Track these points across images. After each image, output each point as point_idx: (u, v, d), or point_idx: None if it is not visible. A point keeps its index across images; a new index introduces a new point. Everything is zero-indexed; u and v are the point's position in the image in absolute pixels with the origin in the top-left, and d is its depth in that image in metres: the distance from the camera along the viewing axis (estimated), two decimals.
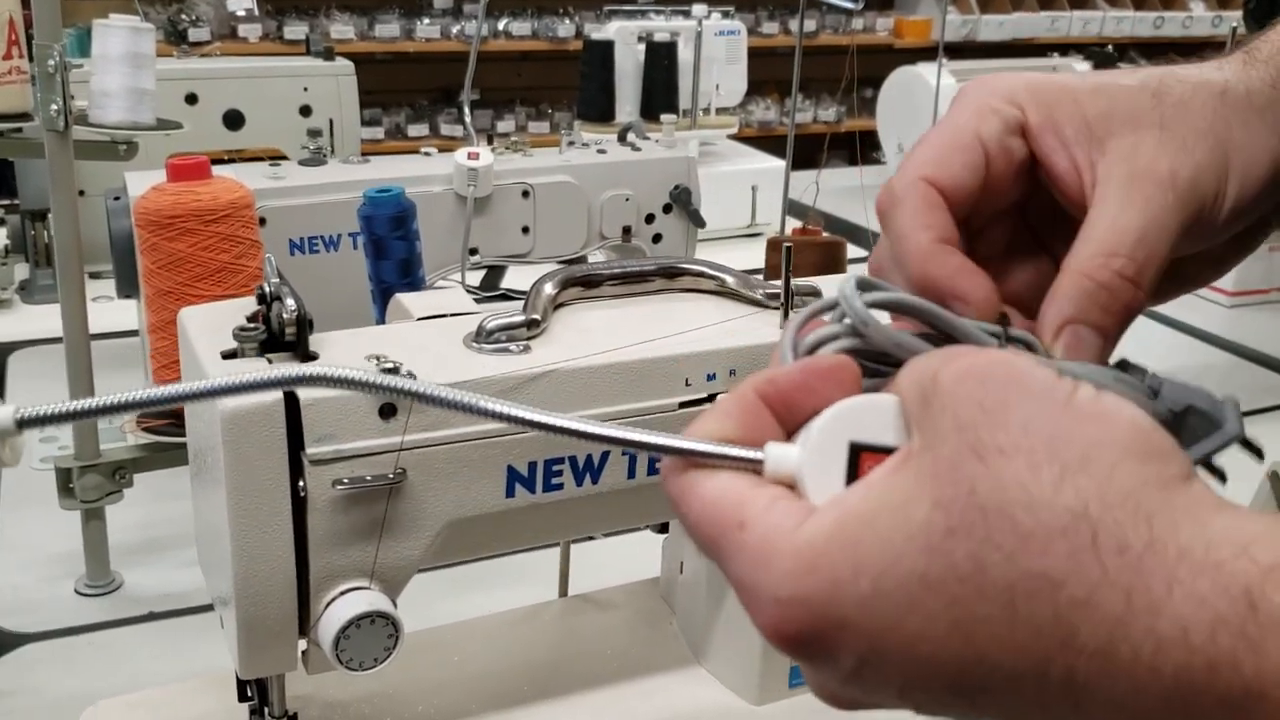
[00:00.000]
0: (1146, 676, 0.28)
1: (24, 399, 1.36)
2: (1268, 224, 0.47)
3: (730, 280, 0.74)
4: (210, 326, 0.65)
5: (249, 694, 0.70)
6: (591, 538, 0.90)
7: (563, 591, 0.89)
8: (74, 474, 0.95)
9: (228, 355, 0.62)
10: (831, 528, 0.32)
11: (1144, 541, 0.29)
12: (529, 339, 0.66)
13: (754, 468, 0.36)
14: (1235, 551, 0.28)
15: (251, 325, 0.63)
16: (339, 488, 0.60)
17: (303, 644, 0.64)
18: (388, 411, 0.60)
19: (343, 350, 0.63)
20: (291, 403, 0.59)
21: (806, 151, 1.94)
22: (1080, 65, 2.24)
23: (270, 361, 0.62)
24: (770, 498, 0.34)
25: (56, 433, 1.27)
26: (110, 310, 1.41)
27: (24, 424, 0.38)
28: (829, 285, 0.76)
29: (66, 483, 0.95)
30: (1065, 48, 2.44)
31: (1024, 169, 0.45)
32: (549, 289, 0.70)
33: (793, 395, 0.37)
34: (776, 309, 0.72)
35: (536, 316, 0.67)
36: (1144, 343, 1.64)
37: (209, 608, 0.96)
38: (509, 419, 0.41)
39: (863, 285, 0.39)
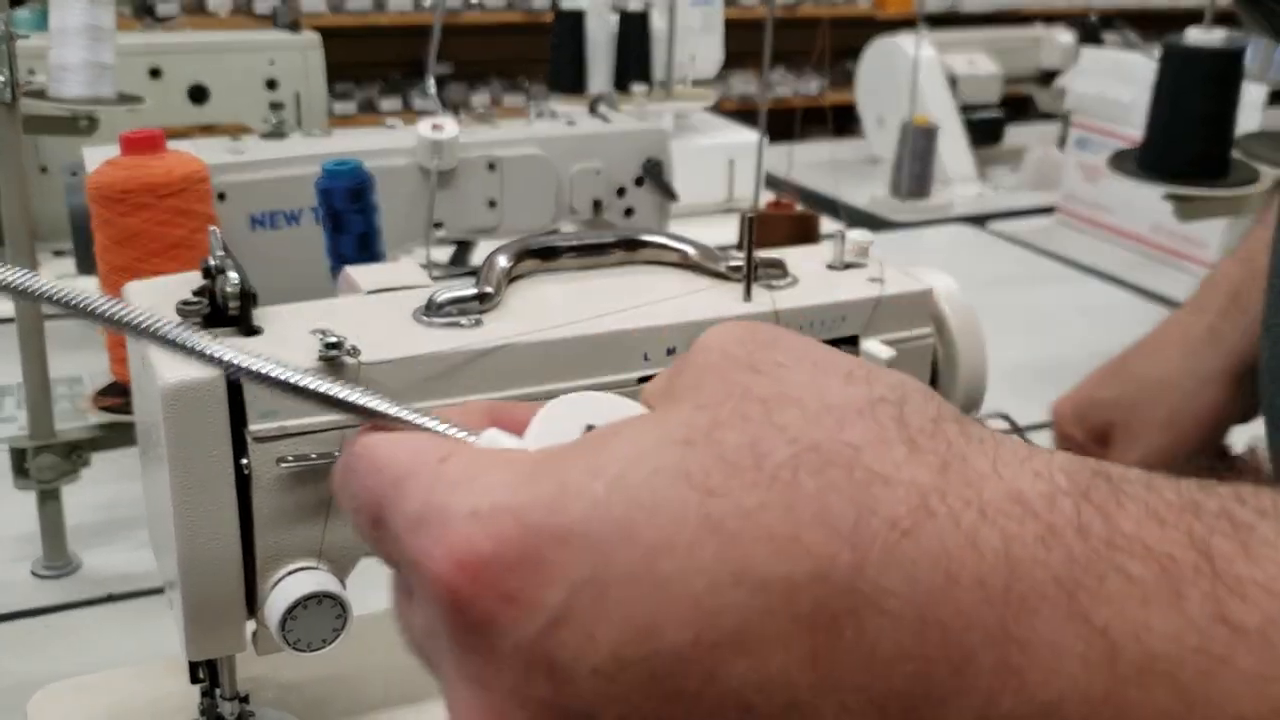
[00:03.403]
0: (962, 556, 0.22)
1: None
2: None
3: (692, 252, 0.73)
4: (155, 300, 0.63)
5: (200, 676, 0.68)
6: None
7: None
8: (29, 454, 0.93)
9: None
10: (565, 445, 0.26)
11: (955, 430, 0.24)
12: (481, 312, 0.65)
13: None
14: (1049, 457, 0.24)
15: (195, 299, 0.61)
16: (284, 465, 0.59)
17: (251, 625, 0.63)
18: None
19: (288, 324, 0.61)
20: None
21: (788, 125, 1.92)
22: (1064, 36, 2.23)
23: (213, 336, 0.60)
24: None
25: (16, 412, 1.25)
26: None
27: None
28: (794, 257, 0.74)
29: (21, 463, 0.93)
30: (1049, 18, 2.41)
31: None
32: (503, 261, 0.68)
33: (523, 413, 0.31)
34: (739, 281, 0.70)
35: (489, 289, 0.66)
36: (1123, 317, 1.63)
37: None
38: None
39: None
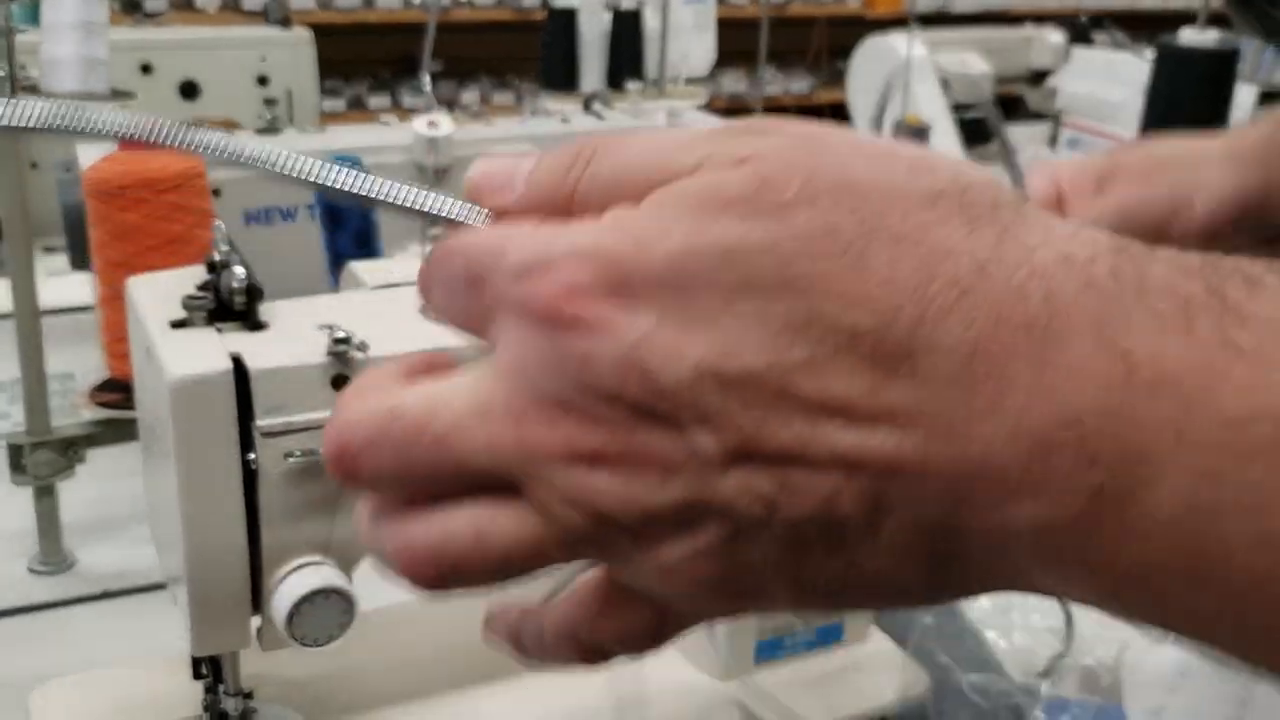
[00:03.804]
0: (1011, 304, 0.25)
1: None
2: None
3: None
4: (158, 296, 0.63)
5: (203, 672, 0.68)
6: None
7: None
8: (25, 450, 0.93)
9: (176, 324, 0.60)
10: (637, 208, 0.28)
11: (1011, 212, 0.27)
12: None
13: None
14: (1094, 231, 0.27)
15: (200, 294, 0.61)
16: (291, 460, 0.58)
17: (256, 621, 0.63)
18: (340, 382, 0.59)
19: (294, 319, 0.61)
20: (241, 373, 0.57)
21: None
22: (1054, 36, 2.23)
23: (219, 331, 0.60)
24: None
25: (10, 408, 1.25)
26: (65, 284, 1.38)
27: None
28: None
29: (18, 459, 0.93)
30: (1039, 18, 2.43)
31: None
32: None
33: None
34: None
35: None
36: None
37: (165, 586, 0.94)
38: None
39: None
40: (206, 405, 0.56)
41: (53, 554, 0.97)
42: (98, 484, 0.99)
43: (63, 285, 1.35)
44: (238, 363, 0.57)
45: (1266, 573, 0.23)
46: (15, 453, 0.93)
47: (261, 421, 0.58)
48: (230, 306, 0.60)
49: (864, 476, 0.26)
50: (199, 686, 0.69)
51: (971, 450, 0.25)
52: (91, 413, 0.98)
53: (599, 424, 0.27)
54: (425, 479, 0.29)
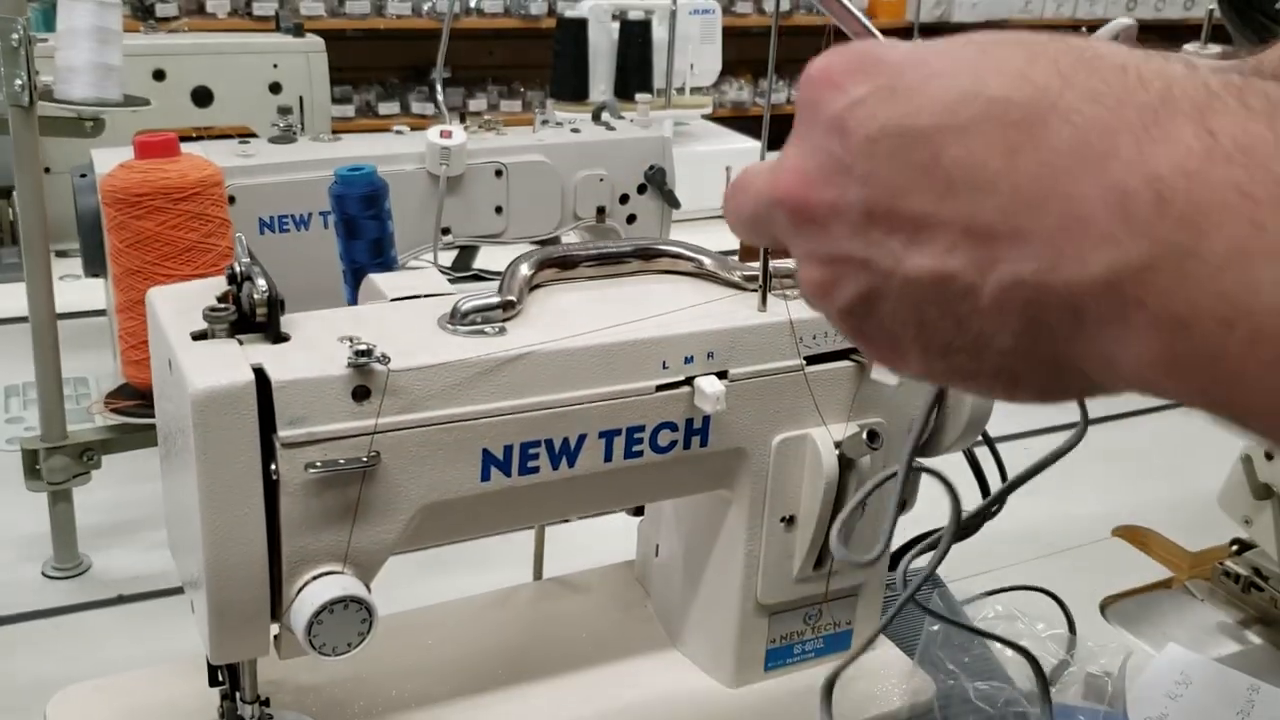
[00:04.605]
0: (1130, 89, 0.30)
1: None
2: None
3: (708, 262, 0.74)
4: (180, 306, 0.64)
5: (220, 679, 0.69)
6: (565, 520, 0.90)
7: (537, 574, 0.88)
8: (41, 455, 0.94)
9: (197, 336, 0.61)
10: None
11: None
12: (505, 320, 0.65)
13: None
14: None
15: (222, 305, 0.62)
16: (312, 471, 0.59)
17: (274, 629, 0.64)
18: (361, 394, 0.59)
19: (315, 331, 0.62)
20: (263, 384, 0.58)
21: (783, 132, 1.94)
22: None
23: (241, 343, 0.61)
24: None
25: (23, 413, 1.25)
26: (77, 289, 1.39)
27: None
28: None
29: (33, 464, 0.94)
30: (1036, 29, 2.43)
31: None
32: (525, 270, 0.69)
33: None
34: (754, 291, 0.71)
35: (512, 298, 0.67)
36: None
37: (179, 590, 0.94)
38: None
39: None
40: (229, 416, 0.57)
41: (67, 558, 0.98)
42: (112, 489, 1.00)
43: (76, 290, 1.36)
44: (260, 374, 0.58)
45: None
46: (30, 458, 0.94)
47: (283, 432, 0.58)
48: (252, 318, 0.61)
49: (973, 241, 0.32)
50: (215, 693, 0.69)
51: (1069, 210, 0.30)
52: (106, 418, 0.99)
53: (812, 160, 0.36)
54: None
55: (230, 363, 0.58)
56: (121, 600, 0.95)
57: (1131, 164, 0.29)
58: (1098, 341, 0.31)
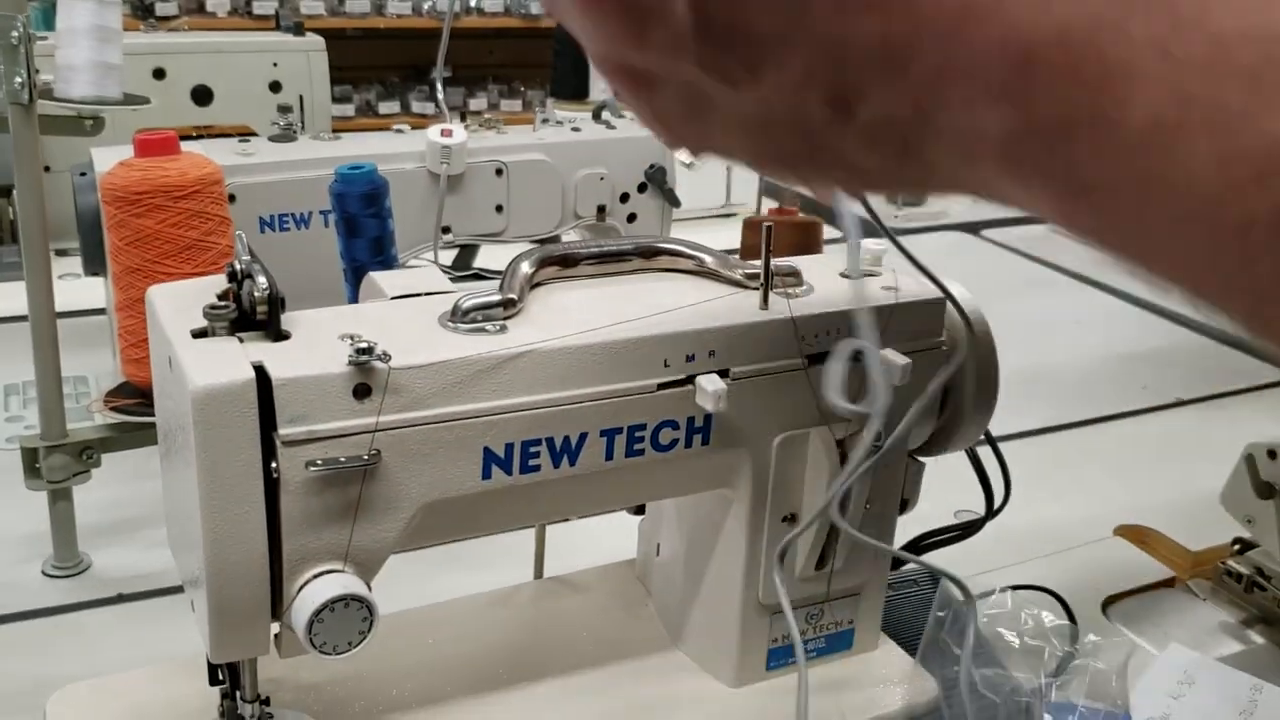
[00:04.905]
0: None
1: None
2: None
3: (709, 260, 0.74)
4: (179, 305, 0.64)
5: (220, 678, 0.69)
6: (566, 519, 0.89)
7: (538, 573, 0.88)
8: (40, 454, 0.93)
9: (198, 334, 0.60)
10: None
11: None
12: (505, 319, 0.65)
13: None
14: None
15: (222, 303, 0.61)
16: (312, 469, 0.59)
17: (274, 627, 0.63)
18: (362, 392, 0.59)
19: (316, 329, 0.62)
20: (264, 382, 0.58)
21: None
22: None
23: (241, 340, 0.61)
24: None
25: (22, 411, 1.25)
26: (76, 288, 1.39)
27: None
28: (806, 264, 0.75)
29: (33, 462, 0.94)
30: None
31: None
32: (525, 268, 0.69)
33: None
34: (756, 289, 0.71)
35: (513, 296, 0.66)
36: (1116, 325, 1.64)
37: (179, 589, 0.94)
38: None
39: None
40: (229, 415, 0.57)
41: (67, 557, 0.97)
42: (112, 487, 0.99)
43: (75, 289, 1.36)
44: (260, 372, 0.58)
45: (1219, 194, 0.23)
46: (30, 456, 0.94)
47: (284, 431, 0.58)
48: (252, 316, 0.61)
49: (842, 63, 0.26)
50: (216, 691, 0.69)
51: (958, 51, 0.25)
52: (106, 417, 0.99)
53: None
54: None
55: (230, 360, 0.58)
56: (121, 599, 0.95)
57: (1033, 12, 0.24)
58: (989, 184, 0.27)
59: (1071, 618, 0.91)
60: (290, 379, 0.58)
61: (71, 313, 1.27)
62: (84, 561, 0.98)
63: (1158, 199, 0.24)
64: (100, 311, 1.30)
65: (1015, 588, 0.94)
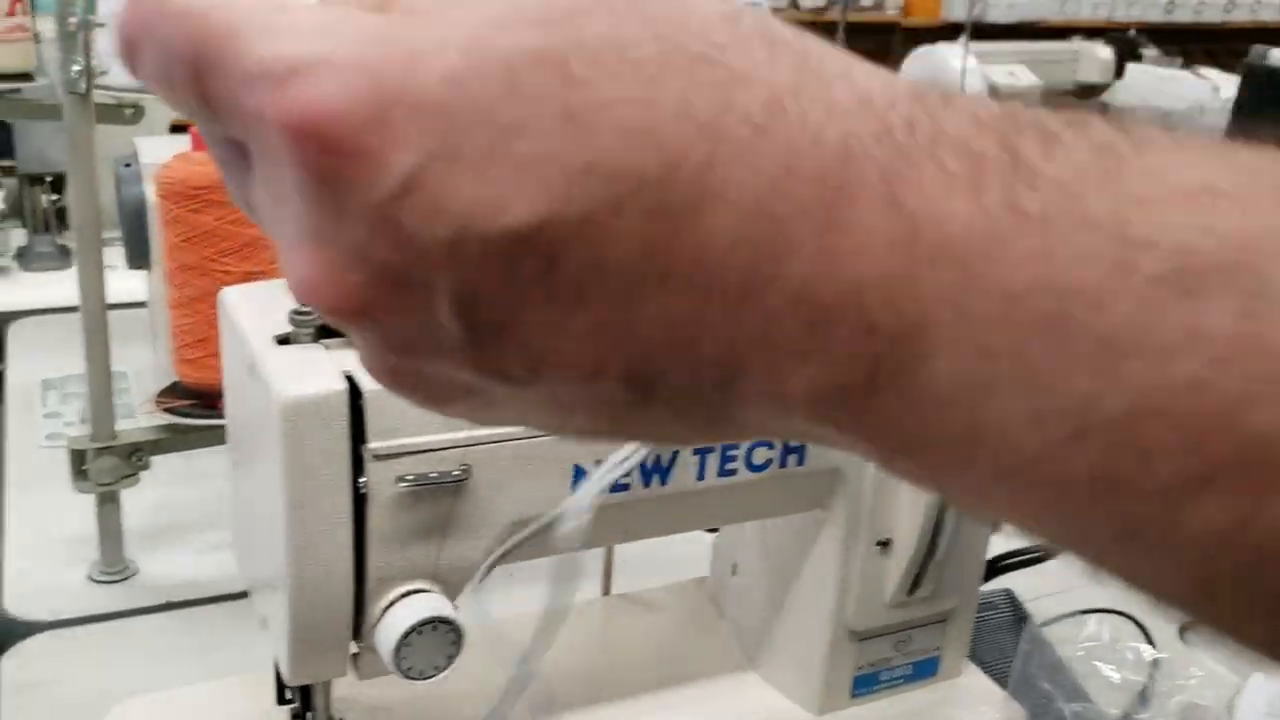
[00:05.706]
0: (804, 150, 0.22)
1: (27, 371, 1.30)
2: None
3: None
4: (257, 309, 0.61)
5: (289, 697, 0.66)
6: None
7: (605, 590, 0.85)
8: (89, 455, 0.90)
9: (281, 340, 0.58)
10: (414, 10, 0.24)
11: (814, 42, 0.24)
12: None
13: None
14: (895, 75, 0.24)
15: (307, 309, 0.59)
16: (402, 485, 0.56)
17: (352, 647, 0.61)
18: None
19: None
20: (354, 394, 0.55)
21: None
22: (1103, 51, 2.21)
23: (327, 348, 0.58)
24: None
25: (60, 408, 1.23)
26: (114, 280, 1.36)
27: None
28: None
29: (80, 464, 0.91)
30: (1069, 31, 2.40)
31: None
32: None
33: None
34: None
35: None
36: None
37: (229, 597, 0.92)
38: None
39: None
40: (318, 427, 0.54)
41: (114, 562, 0.94)
42: (160, 491, 0.97)
43: (114, 281, 1.33)
44: (351, 383, 0.55)
45: (1037, 452, 0.22)
46: (78, 458, 0.91)
47: (374, 444, 0.55)
48: None
49: (633, 353, 0.24)
50: (284, 711, 0.66)
51: (749, 318, 0.23)
52: (155, 418, 0.96)
53: (356, 273, 0.23)
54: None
55: (320, 370, 0.55)
56: (170, 606, 0.92)
57: (819, 268, 0.22)
58: (805, 434, 0.25)
59: (1150, 642, 0.88)
60: (382, 390, 0.55)
61: (110, 305, 1.24)
62: (131, 567, 0.95)
63: (980, 456, 0.23)
64: (142, 305, 1.27)
65: (1092, 610, 0.91)
